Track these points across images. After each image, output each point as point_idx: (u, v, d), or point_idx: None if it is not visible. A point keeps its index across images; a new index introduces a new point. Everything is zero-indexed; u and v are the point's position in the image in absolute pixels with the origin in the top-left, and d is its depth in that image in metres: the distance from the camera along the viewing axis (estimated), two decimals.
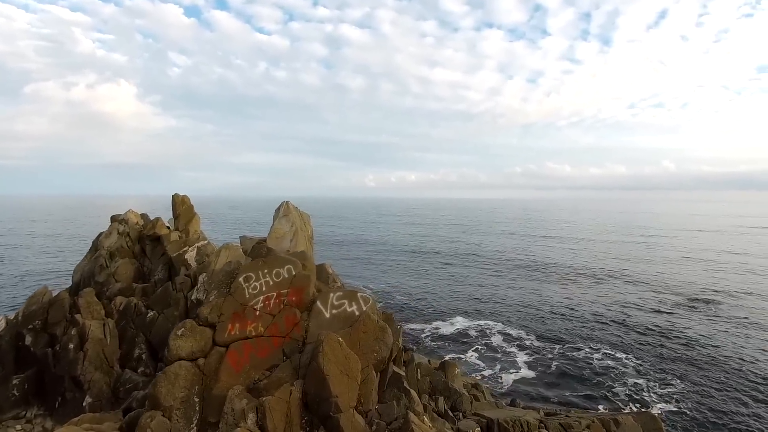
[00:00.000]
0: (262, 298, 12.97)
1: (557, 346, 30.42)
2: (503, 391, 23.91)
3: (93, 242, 25.92)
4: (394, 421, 10.93)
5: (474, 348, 30.91)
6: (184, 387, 11.53)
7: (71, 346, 18.23)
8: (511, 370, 26.96)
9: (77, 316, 19.51)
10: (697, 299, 43.82)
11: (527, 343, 31.64)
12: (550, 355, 28.90)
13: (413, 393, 11.68)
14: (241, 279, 13.22)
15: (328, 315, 12.75)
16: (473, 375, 26.26)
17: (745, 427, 19.36)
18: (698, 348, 29.92)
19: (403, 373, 12.19)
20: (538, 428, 10.98)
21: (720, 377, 25.13)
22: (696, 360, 27.81)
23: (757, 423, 19.85)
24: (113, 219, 27.28)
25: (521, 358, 28.80)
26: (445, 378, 13.90)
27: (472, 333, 34.11)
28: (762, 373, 25.92)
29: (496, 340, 32.35)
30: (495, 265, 64.77)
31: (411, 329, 35.26)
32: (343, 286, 40.11)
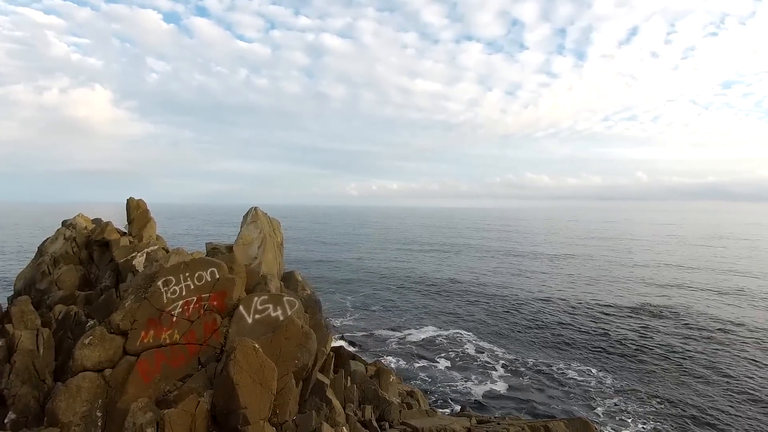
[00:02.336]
0: (181, 302, 12.20)
1: (530, 358, 29.88)
2: (471, 400, 23.21)
3: (38, 248, 24.81)
4: None
5: (443, 356, 30.23)
6: (87, 400, 10.68)
7: None
8: (479, 379, 26.31)
9: (8, 326, 18.40)
10: (666, 307, 43.83)
11: (498, 353, 31.03)
12: (522, 367, 28.27)
13: (335, 402, 10.96)
14: (159, 283, 12.43)
15: (250, 320, 12.02)
16: (440, 383, 25.61)
17: None
18: (669, 358, 29.59)
19: (327, 381, 11.49)
20: None
21: (693, 390, 24.72)
22: (667, 370, 27.38)
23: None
24: (63, 224, 26.23)
25: (491, 368, 28.16)
26: (376, 386, 13.22)
27: (443, 341, 33.43)
28: (731, 384, 25.67)
29: (468, 349, 31.70)
30: (471, 274, 64.44)
31: (380, 335, 34.50)
32: (313, 293, 39.07)
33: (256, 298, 12.38)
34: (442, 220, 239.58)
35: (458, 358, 29.68)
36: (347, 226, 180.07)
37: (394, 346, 31.99)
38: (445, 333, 35.51)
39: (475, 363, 28.95)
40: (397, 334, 34.94)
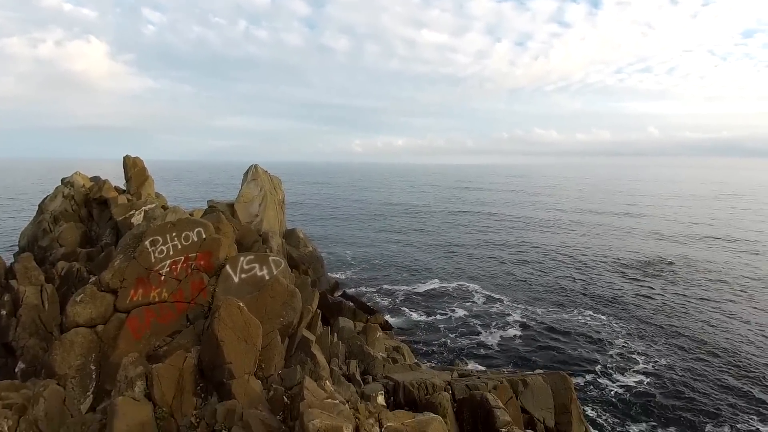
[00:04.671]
0: (168, 262, 12.37)
1: (534, 309, 30.39)
2: (468, 352, 23.89)
3: (39, 206, 25.13)
4: (295, 386, 10.60)
5: (443, 309, 30.87)
6: (81, 354, 11.14)
7: (4, 312, 17.82)
8: (483, 331, 26.90)
9: (12, 282, 19.02)
10: (671, 263, 43.80)
11: (504, 305, 31.57)
12: (525, 318, 28.80)
13: (320, 358, 11.32)
14: (147, 243, 12.55)
15: (236, 279, 12.20)
16: (437, 335, 26.27)
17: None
18: (672, 313, 29.97)
19: (312, 338, 11.80)
20: (444, 390, 10.70)
21: (696, 345, 25.20)
22: (672, 326, 27.80)
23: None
24: (62, 182, 26.38)
25: (496, 319, 28.74)
26: (362, 342, 13.62)
27: (444, 294, 34.02)
28: (730, 343, 26.12)
29: (472, 302, 32.23)
30: (477, 231, 64.51)
31: (386, 289, 35.10)
32: (315, 249, 39.38)
33: (242, 258, 12.49)
34: (445, 179, 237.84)
35: (460, 311, 30.32)
36: (351, 183, 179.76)
37: (392, 300, 32.70)
38: (449, 286, 36.06)
39: (479, 315, 29.56)
40: (398, 287, 35.60)
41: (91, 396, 10.94)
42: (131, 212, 23.69)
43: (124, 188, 27.85)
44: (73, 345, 11.12)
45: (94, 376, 11.09)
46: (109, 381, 11.03)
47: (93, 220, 24.44)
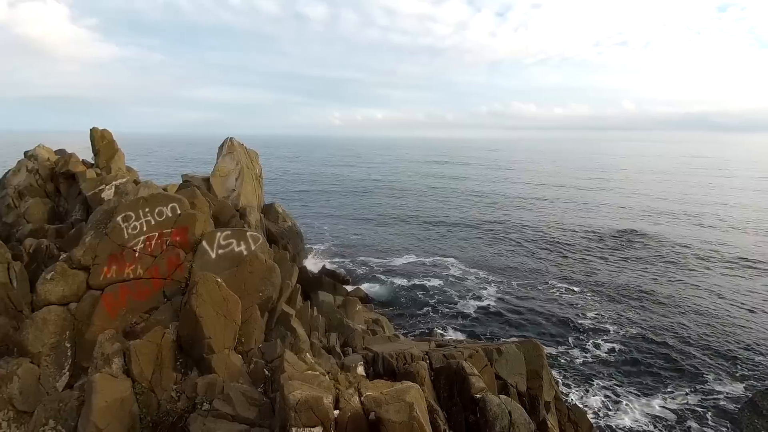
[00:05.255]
0: (142, 238, 12.10)
1: (515, 282, 31.24)
2: (447, 324, 24.59)
3: (0, 180, 23.97)
4: (276, 359, 10.75)
5: (422, 281, 31.44)
6: (54, 332, 10.94)
7: None
8: (458, 303, 27.61)
9: None
10: (642, 235, 45.47)
11: (480, 277, 32.34)
12: (509, 291, 29.62)
13: (300, 331, 11.46)
14: (119, 219, 12.21)
15: (214, 255, 12.08)
16: (415, 307, 26.82)
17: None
18: (641, 283, 31.36)
19: (292, 312, 11.90)
20: (422, 359, 11.04)
21: (662, 313, 26.53)
22: (642, 296, 29.11)
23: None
24: (25, 155, 25.13)
25: (471, 291, 29.48)
26: (342, 315, 13.84)
27: (423, 268, 34.59)
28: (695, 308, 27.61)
29: (449, 274, 32.89)
30: (454, 206, 65.15)
31: (365, 263, 35.40)
32: (294, 224, 39.04)
33: (218, 234, 12.33)
34: (424, 153, 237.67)
35: (438, 284, 30.96)
36: (330, 157, 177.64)
37: (371, 273, 33.09)
38: (426, 260, 36.63)
39: (456, 288, 30.27)
40: (377, 261, 35.97)
41: (67, 374, 10.83)
42: (101, 187, 22.84)
43: (93, 162, 26.76)
44: (46, 323, 10.90)
45: (69, 354, 10.95)
46: (85, 358, 10.91)
47: (60, 196, 23.51)
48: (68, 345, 10.99)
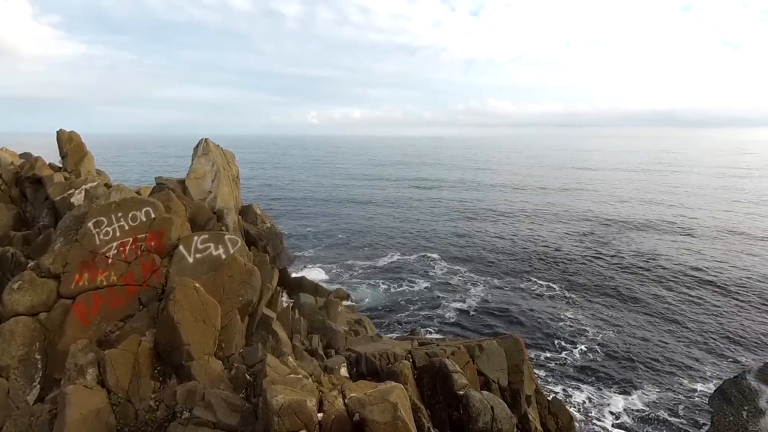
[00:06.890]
0: (116, 244, 11.72)
1: (497, 281, 31.61)
2: (440, 321, 24.71)
3: None
4: (257, 364, 10.60)
5: (405, 281, 31.53)
6: (23, 344, 10.50)
7: None
8: (442, 302, 27.81)
9: None
10: (619, 232, 46.75)
11: (463, 275, 32.64)
12: (491, 289, 29.96)
13: (281, 334, 11.34)
14: (90, 224, 11.80)
15: (191, 260, 11.81)
16: (398, 307, 26.87)
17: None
18: (619, 281, 32.21)
19: (273, 315, 11.76)
20: (405, 358, 11.09)
21: (638, 310, 27.30)
22: (620, 294, 29.86)
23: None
24: None
25: (456, 290, 29.72)
26: (324, 316, 13.77)
27: (406, 267, 34.69)
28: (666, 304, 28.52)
29: (432, 273, 33.07)
30: (437, 206, 65.62)
31: (347, 263, 35.27)
32: (274, 226, 38.66)
33: (196, 237, 12.07)
34: (404, 153, 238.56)
35: (420, 282, 31.13)
36: (307, 157, 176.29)
37: (353, 273, 33.01)
38: (409, 258, 36.76)
39: (438, 286, 30.48)
40: (361, 262, 35.90)
41: (38, 386, 10.41)
42: (70, 191, 22.03)
43: (60, 165, 25.77)
44: (13, 335, 10.44)
45: (40, 366, 10.52)
46: (57, 370, 10.51)
47: (26, 201, 22.55)
48: (38, 357, 10.56)
